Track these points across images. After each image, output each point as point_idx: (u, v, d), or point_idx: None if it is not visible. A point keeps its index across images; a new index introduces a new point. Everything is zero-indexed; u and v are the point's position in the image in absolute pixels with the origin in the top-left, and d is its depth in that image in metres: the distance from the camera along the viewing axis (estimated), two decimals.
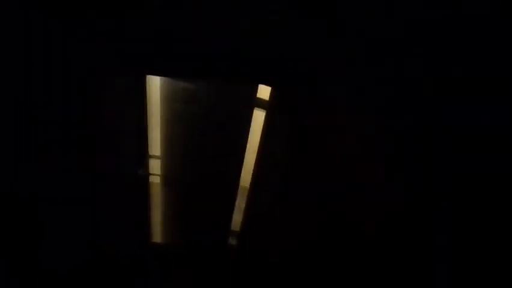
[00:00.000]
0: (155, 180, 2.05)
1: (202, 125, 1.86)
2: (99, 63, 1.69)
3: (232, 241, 2.18)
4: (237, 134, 1.86)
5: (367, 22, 1.53)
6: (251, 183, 1.97)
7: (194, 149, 1.93)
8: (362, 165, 1.79)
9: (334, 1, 1.50)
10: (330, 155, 1.78)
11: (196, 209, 2.13)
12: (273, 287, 2.15)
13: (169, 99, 1.79)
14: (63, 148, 1.84)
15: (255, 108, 1.80)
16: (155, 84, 1.77)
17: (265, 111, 1.78)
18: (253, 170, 1.92)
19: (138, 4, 1.55)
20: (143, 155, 1.91)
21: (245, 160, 1.96)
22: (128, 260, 2.19)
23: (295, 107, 1.70)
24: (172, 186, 2.06)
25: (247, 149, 1.91)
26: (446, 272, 1.83)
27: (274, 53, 1.62)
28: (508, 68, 1.55)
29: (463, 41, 1.53)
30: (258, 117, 1.83)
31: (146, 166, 1.95)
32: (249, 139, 1.89)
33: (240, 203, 2.09)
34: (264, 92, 1.77)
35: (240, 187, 2.04)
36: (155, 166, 1.99)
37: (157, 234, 2.20)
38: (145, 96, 1.76)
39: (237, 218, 2.14)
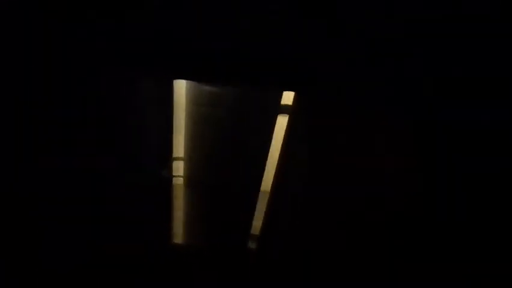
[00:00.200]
0: (179, 181, 2.07)
1: (226, 128, 1.89)
2: (99, 63, 1.69)
3: (252, 244, 2.20)
4: (260, 138, 1.89)
5: (367, 22, 1.53)
6: (272, 187, 1.99)
7: (217, 152, 1.96)
8: (382, 165, 1.79)
9: (334, 1, 1.50)
10: (349, 156, 1.79)
11: (218, 211, 2.15)
12: None
13: (195, 102, 1.82)
14: (74, 148, 1.85)
15: (279, 113, 1.81)
16: (181, 87, 1.79)
17: (288, 116, 1.79)
18: (275, 174, 1.94)
19: (138, 4, 1.55)
20: (168, 157, 1.93)
21: (267, 164, 1.98)
22: (151, 259, 2.23)
23: (317, 110, 1.72)
24: (194, 188, 2.09)
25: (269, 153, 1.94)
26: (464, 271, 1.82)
27: (274, 53, 1.62)
28: (508, 68, 1.55)
29: (463, 41, 1.53)
30: (280, 121, 1.84)
31: (169, 167, 1.96)
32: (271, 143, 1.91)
33: (261, 207, 2.11)
34: (287, 97, 1.78)
35: (260, 191, 2.06)
36: (179, 168, 2.01)
37: (179, 236, 2.22)
38: (172, 99, 1.78)
39: (257, 222, 2.17)
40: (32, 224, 2.00)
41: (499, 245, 1.81)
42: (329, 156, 1.81)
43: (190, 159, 1.98)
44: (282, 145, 1.85)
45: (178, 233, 2.22)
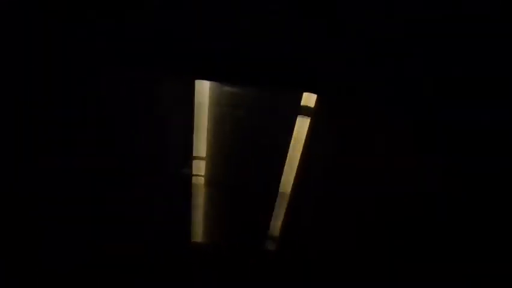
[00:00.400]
0: (199, 181, 2.08)
1: (247, 129, 1.91)
2: (99, 63, 1.69)
3: (271, 246, 2.22)
4: (280, 139, 1.91)
5: (367, 22, 1.53)
6: (293, 188, 2.00)
7: (238, 152, 1.98)
8: (402, 166, 1.79)
9: (334, 1, 1.50)
10: (369, 155, 1.79)
11: (237, 211, 2.16)
12: None
13: (217, 102, 1.84)
14: (80, 148, 1.86)
15: (299, 115, 1.83)
16: (204, 87, 1.81)
17: (309, 118, 1.80)
18: (296, 174, 1.95)
19: (138, 4, 1.55)
20: (189, 156, 1.95)
21: (285, 166, 1.99)
22: (169, 257, 2.25)
23: (338, 112, 1.73)
24: (214, 188, 2.10)
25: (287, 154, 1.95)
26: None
27: (274, 53, 1.62)
28: (508, 68, 1.55)
29: (463, 41, 1.53)
30: (300, 123, 1.86)
31: (190, 166, 1.99)
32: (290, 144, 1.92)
33: (280, 208, 2.11)
34: (308, 99, 1.80)
35: (279, 193, 2.07)
36: (200, 167, 2.03)
37: (198, 234, 2.23)
38: (193, 99, 1.80)
39: (276, 223, 2.17)
40: (32, 224, 2.00)
41: (499, 245, 1.81)
42: (351, 157, 1.83)
43: (211, 159, 2.01)
44: (304, 146, 1.87)
45: (198, 232, 2.24)
